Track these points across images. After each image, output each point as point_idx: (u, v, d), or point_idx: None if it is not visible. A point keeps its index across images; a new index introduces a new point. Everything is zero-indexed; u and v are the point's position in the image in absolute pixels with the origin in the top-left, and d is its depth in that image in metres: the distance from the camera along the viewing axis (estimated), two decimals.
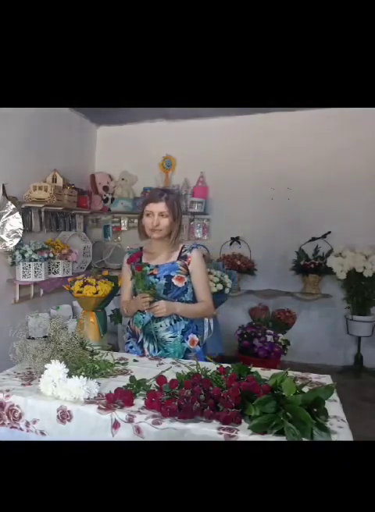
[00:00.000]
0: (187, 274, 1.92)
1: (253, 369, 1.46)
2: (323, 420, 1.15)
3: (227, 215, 4.25)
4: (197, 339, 1.94)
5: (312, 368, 3.20)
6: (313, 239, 4.06)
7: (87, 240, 4.15)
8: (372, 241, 3.84)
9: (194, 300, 1.95)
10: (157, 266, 1.91)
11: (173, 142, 4.31)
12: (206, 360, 1.84)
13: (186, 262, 1.92)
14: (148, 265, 1.91)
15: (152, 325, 1.87)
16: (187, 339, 1.91)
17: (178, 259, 1.93)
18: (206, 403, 1.19)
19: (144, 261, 1.96)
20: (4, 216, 3.05)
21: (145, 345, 1.89)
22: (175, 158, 4.41)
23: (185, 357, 1.85)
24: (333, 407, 1.29)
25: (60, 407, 1.28)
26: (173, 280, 1.88)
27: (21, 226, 3.10)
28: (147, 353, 1.88)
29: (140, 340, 1.92)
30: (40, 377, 1.35)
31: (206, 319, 2.07)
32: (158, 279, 1.88)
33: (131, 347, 1.95)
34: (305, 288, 4.09)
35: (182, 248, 1.96)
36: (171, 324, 1.88)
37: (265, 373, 1.46)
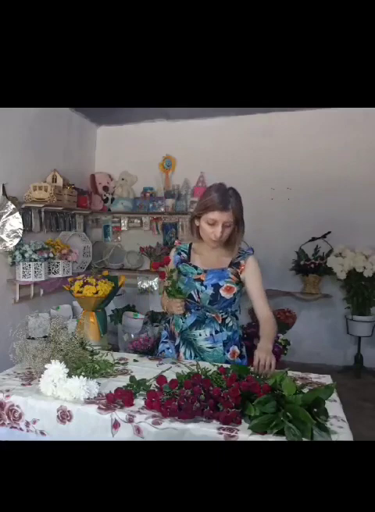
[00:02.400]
0: (238, 283, 1.75)
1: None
2: (323, 420, 1.15)
3: None
4: (238, 351, 1.80)
5: (312, 368, 3.18)
6: (313, 239, 4.05)
7: (87, 239, 4.16)
8: (372, 241, 3.84)
9: (238, 310, 1.85)
10: (205, 271, 1.76)
11: (173, 142, 4.31)
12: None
13: (238, 270, 1.75)
14: (196, 268, 1.77)
15: (191, 332, 1.77)
16: (229, 351, 1.77)
17: (230, 266, 1.76)
18: (206, 403, 1.19)
19: (192, 262, 1.82)
20: (4, 216, 3.05)
21: (182, 350, 1.79)
22: (175, 158, 4.41)
23: None
24: (333, 407, 1.29)
25: (60, 407, 1.28)
26: (221, 290, 1.72)
27: (21, 226, 3.10)
28: (182, 357, 1.78)
29: (177, 343, 1.82)
30: (40, 377, 1.35)
31: None
32: (205, 287, 1.73)
33: (168, 348, 1.86)
34: (305, 288, 4.09)
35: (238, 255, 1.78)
36: (211, 334, 1.75)
37: None
